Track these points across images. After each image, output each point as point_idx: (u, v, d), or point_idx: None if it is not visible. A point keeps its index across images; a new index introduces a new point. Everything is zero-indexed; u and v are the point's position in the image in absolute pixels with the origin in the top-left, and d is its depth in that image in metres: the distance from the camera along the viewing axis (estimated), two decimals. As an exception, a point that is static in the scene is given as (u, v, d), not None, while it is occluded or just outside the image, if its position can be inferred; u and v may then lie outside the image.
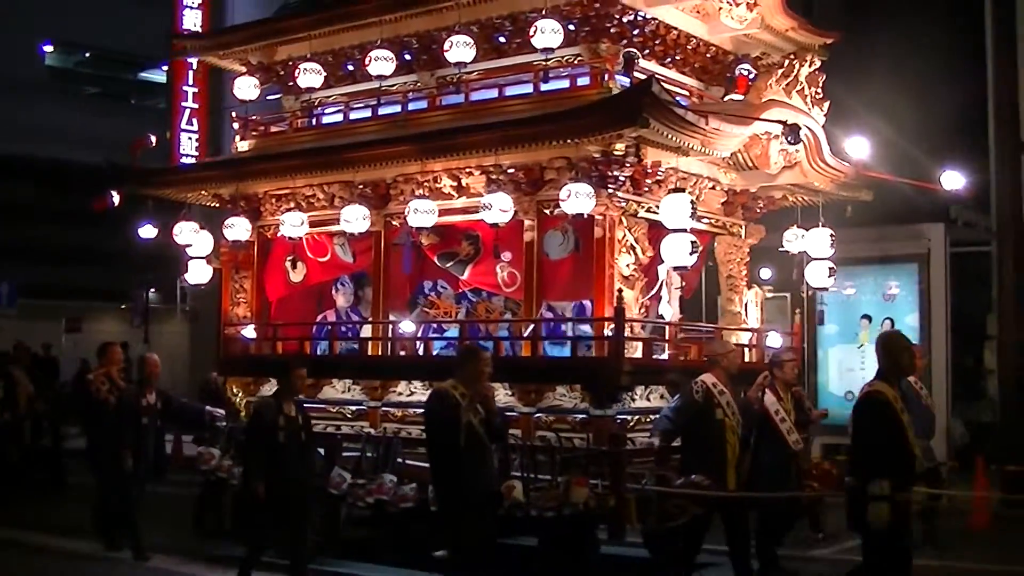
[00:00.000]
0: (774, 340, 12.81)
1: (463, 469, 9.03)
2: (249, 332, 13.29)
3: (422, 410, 9.84)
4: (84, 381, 13.29)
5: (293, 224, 12.27)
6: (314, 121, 13.23)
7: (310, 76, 12.58)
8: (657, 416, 10.87)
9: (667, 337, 11.74)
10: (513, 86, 11.82)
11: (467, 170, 11.70)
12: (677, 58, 12.22)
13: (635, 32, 11.58)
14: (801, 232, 12.64)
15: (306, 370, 10.82)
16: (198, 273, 13.59)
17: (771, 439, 10.99)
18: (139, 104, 46.69)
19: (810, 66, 11.63)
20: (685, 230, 10.51)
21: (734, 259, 12.80)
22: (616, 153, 10.69)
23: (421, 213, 11.25)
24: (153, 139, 13.57)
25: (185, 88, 32.90)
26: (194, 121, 33.30)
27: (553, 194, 11.15)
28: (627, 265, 11.08)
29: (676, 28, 11.96)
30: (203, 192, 13.62)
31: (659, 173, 11.33)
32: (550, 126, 10.58)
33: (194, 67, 32.01)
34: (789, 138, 10.40)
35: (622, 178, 10.93)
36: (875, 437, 7.87)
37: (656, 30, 11.77)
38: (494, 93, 11.95)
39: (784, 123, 10.44)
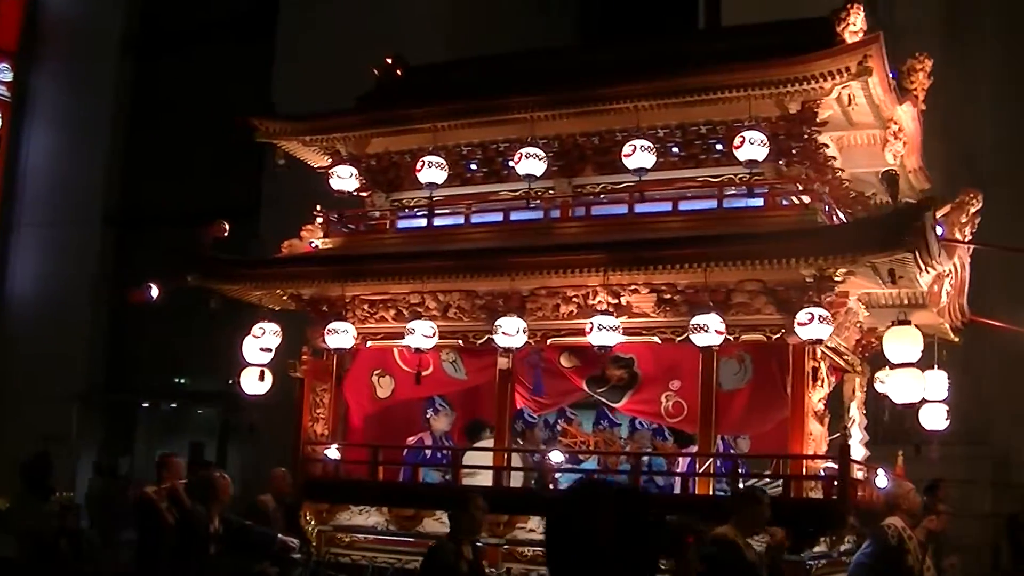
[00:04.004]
0: (881, 481, 12.31)
1: None
2: (332, 453, 11.64)
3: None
4: (142, 497, 11.27)
5: (424, 334, 10.86)
6: (425, 221, 11.90)
7: (433, 171, 11.37)
8: (852, 563, 10.14)
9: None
10: (688, 201, 11.05)
11: (632, 287, 10.73)
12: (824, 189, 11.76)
13: (810, 156, 11.06)
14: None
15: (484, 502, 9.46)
16: (258, 383, 11.91)
17: None
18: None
19: (976, 206, 11.41)
20: (913, 364, 9.98)
21: (856, 399, 12.27)
22: (836, 279, 10.05)
23: (605, 331, 10.19)
24: (227, 226, 11.83)
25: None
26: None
27: (738, 318, 10.39)
28: (818, 400, 10.38)
29: (833, 158, 11.52)
30: (279, 291, 11.98)
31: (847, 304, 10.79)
32: (793, 244, 9.84)
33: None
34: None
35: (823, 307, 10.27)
36: None
37: (820, 159, 11.28)
38: (657, 206, 11.13)
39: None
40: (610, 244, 10.45)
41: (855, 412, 11.43)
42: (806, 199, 10.78)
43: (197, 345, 30.30)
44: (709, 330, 9.88)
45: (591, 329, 10.18)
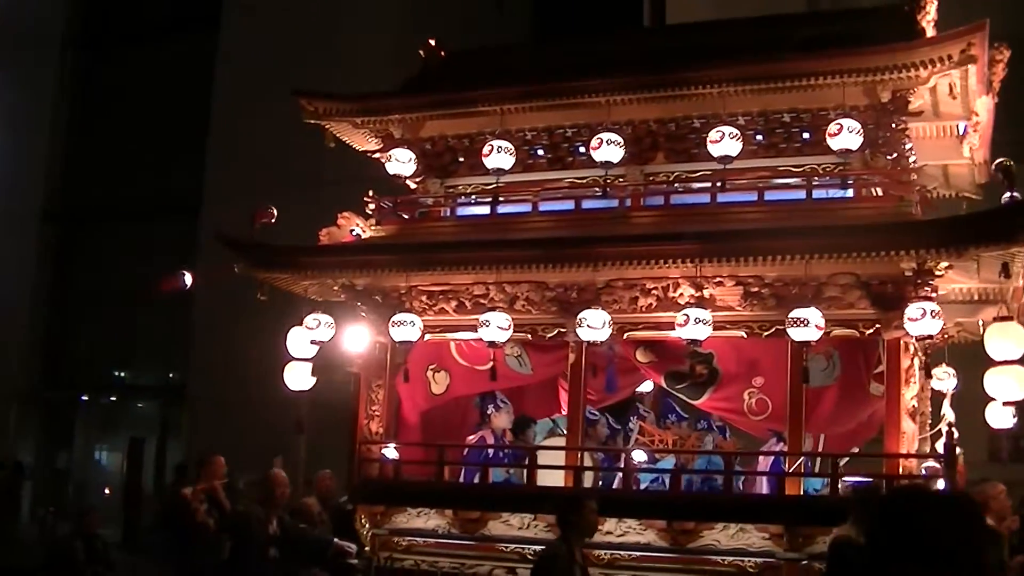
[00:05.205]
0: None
1: None
2: (391, 452, 11.02)
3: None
4: (177, 498, 10.53)
5: (500, 326, 10.30)
6: (488, 209, 11.32)
7: (501, 156, 10.85)
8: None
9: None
10: (773, 191, 10.63)
11: (716, 279, 10.27)
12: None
13: (896, 145, 10.72)
14: (951, 370, 12.05)
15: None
16: (300, 378, 11.25)
17: None
18: None
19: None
20: (1016, 362, 9.68)
21: (924, 396, 11.95)
22: (937, 273, 9.71)
23: (699, 324, 9.71)
24: (275, 212, 11.14)
25: None
26: None
27: (830, 313, 9.96)
28: (911, 397, 10.05)
29: (912, 152, 11.18)
30: (331, 281, 11.31)
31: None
32: (898, 236, 9.49)
33: None
34: None
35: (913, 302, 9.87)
36: None
37: (904, 149, 10.94)
38: (739, 196, 10.70)
39: None
40: (702, 234, 9.98)
41: (947, 410, 11.08)
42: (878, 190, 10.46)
43: (138, 338, 29.71)
44: (809, 324, 9.46)
45: (685, 321, 9.68)
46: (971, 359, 12.58)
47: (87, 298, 30.32)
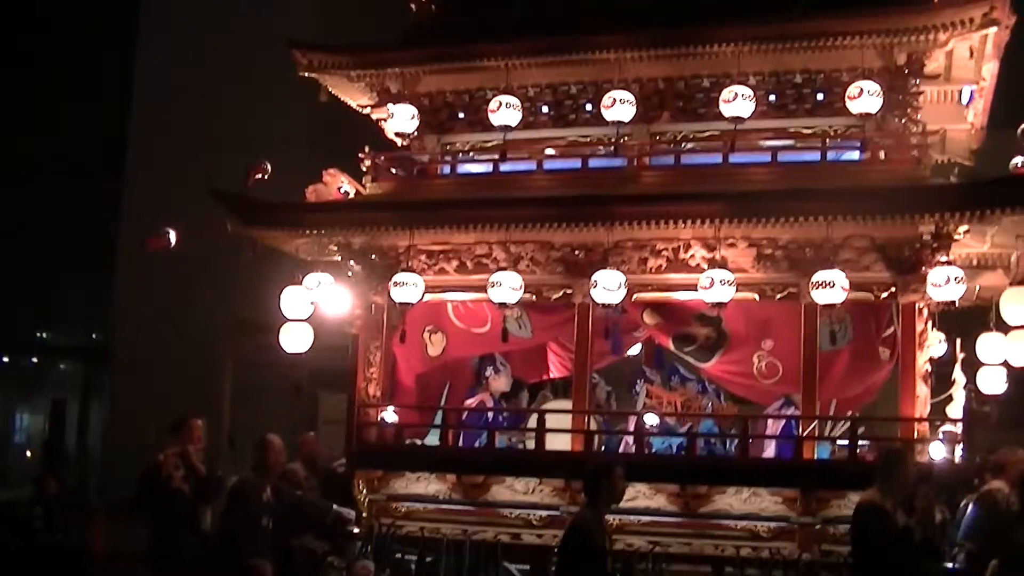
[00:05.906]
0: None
1: None
2: (390, 416, 10.70)
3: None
4: (151, 464, 9.96)
5: (512, 287, 9.99)
6: (490, 167, 11.01)
7: (509, 112, 10.54)
8: (964, 527, 9.77)
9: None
10: (789, 152, 10.50)
11: (729, 241, 10.09)
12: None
13: (908, 108, 10.61)
14: (941, 336, 12.04)
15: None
16: (297, 339, 10.84)
17: None
18: None
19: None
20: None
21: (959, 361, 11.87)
22: (956, 237, 9.64)
23: (724, 285, 9.52)
24: (268, 167, 10.70)
25: None
26: None
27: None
28: (924, 362, 9.99)
29: (921, 111, 11.07)
30: (328, 240, 10.91)
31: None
32: (920, 199, 9.42)
33: None
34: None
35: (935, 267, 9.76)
36: None
37: (916, 112, 10.81)
38: (750, 156, 10.54)
39: None
40: (721, 195, 9.81)
41: (959, 374, 11.05)
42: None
43: (59, 299, 28.98)
44: (835, 287, 9.34)
45: (711, 284, 9.47)
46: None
47: (5, 257, 29.41)
